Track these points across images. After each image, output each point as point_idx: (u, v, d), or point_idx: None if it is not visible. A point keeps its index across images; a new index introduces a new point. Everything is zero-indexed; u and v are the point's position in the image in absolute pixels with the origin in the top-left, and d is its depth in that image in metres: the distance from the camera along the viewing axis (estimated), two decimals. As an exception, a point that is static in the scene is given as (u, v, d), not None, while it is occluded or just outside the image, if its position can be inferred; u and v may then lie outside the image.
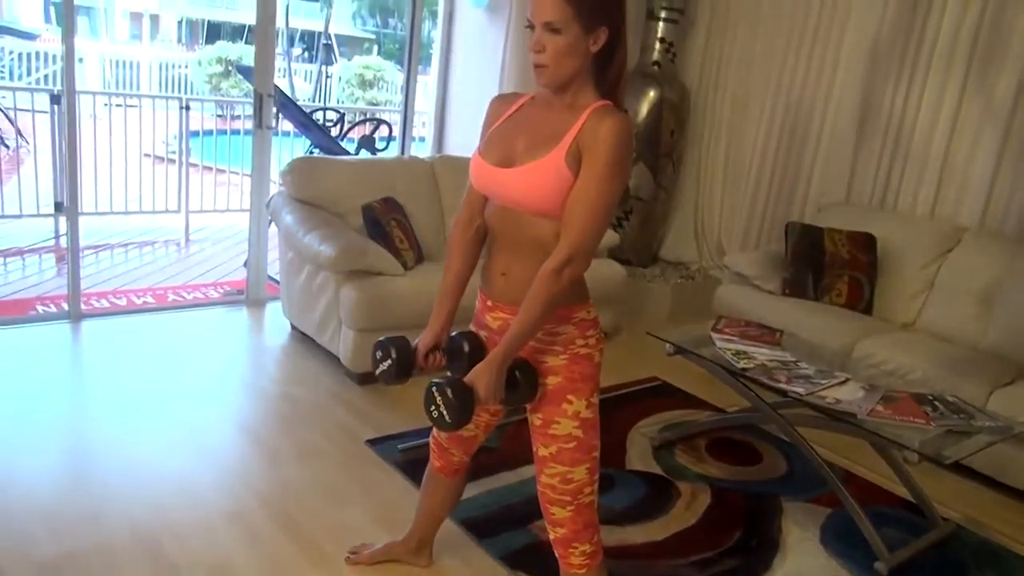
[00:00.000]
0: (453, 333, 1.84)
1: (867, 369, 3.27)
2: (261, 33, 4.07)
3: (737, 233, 5.13)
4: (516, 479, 2.78)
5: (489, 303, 1.79)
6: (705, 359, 2.93)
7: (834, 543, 2.65)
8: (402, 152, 5.10)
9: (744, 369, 2.82)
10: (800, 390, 2.66)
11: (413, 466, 2.70)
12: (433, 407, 1.61)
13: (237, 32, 23.16)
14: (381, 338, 1.84)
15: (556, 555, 1.83)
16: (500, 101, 1.80)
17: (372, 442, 2.96)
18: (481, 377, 1.62)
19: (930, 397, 2.71)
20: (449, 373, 1.75)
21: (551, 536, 1.82)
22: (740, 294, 4.10)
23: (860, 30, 4.38)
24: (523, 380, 1.67)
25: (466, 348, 1.79)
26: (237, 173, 6.80)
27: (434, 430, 2.06)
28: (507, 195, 1.67)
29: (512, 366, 1.65)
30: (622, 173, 1.58)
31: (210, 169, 7.00)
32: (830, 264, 3.96)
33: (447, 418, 1.59)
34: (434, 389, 1.60)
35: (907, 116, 4.22)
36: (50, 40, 15.86)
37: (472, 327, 1.89)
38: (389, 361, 1.80)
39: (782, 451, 3.27)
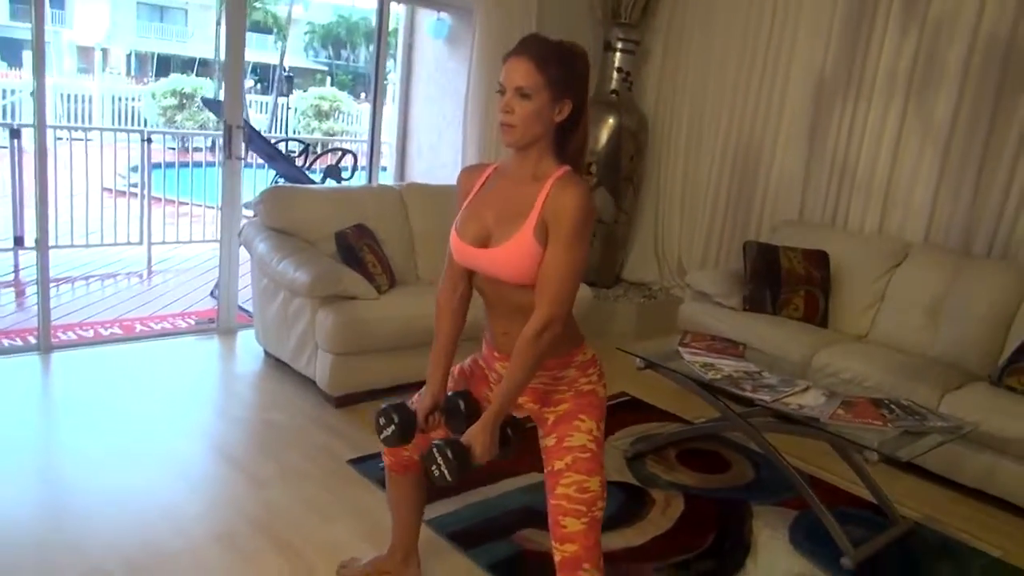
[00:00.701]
0: (449, 394, 1.97)
1: (826, 378, 3.43)
2: (230, 66, 4.14)
3: (696, 252, 5.32)
4: (496, 493, 2.85)
5: (497, 354, 1.92)
6: (675, 372, 3.06)
7: (802, 542, 2.78)
8: (370, 180, 5.19)
9: (713, 380, 2.96)
10: (766, 398, 2.80)
11: (396, 483, 2.76)
12: (434, 466, 1.74)
13: (188, 65, 23.08)
14: (384, 406, 1.95)
15: None
16: (467, 174, 1.92)
17: (353, 461, 3.01)
18: (477, 437, 1.76)
19: (886, 401, 2.88)
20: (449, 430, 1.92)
21: (558, 558, 1.81)
22: (702, 311, 4.26)
23: (807, 60, 4.63)
24: (514, 436, 1.84)
25: (462, 407, 1.93)
26: (199, 205, 6.81)
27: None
28: (488, 271, 1.81)
29: (504, 424, 1.80)
30: (585, 240, 1.72)
31: (171, 202, 6.99)
32: (786, 280, 4.15)
33: (447, 476, 1.72)
34: (435, 450, 1.73)
35: (853, 140, 4.46)
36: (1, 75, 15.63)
37: (471, 364, 2.04)
38: (392, 427, 1.92)
39: (750, 459, 3.41)
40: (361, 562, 2.35)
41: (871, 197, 4.41)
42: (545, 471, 1.86)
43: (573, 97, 1.73)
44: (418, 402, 1.99)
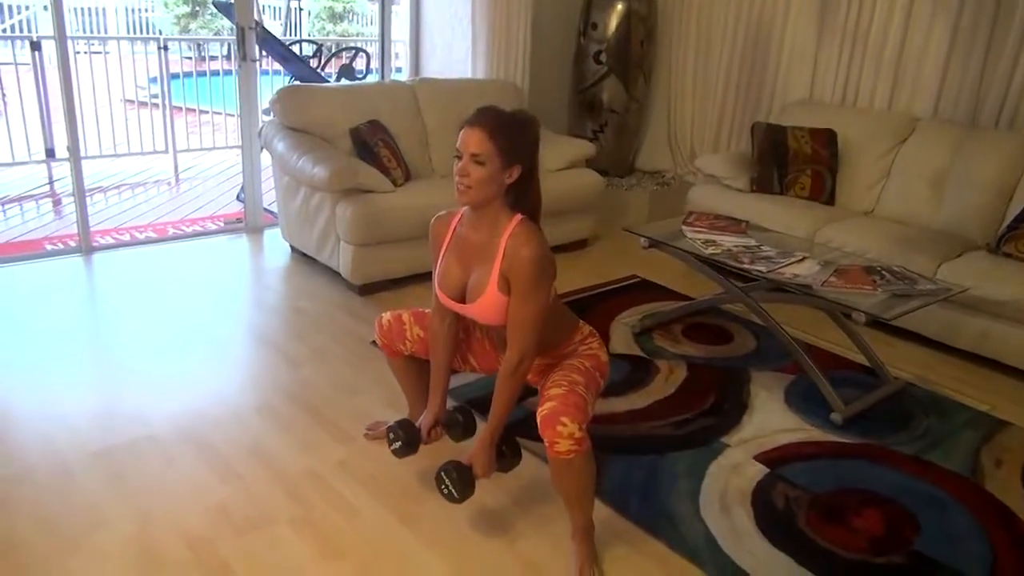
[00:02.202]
0: (449, 408, 2.30)
1: (828, 252, 3.53)
2: (238, -34, 4.18)
3: (709, 138, 5.36)
4: (511, 366, 3.07)
5: (500, 351, 2.20)
6: (677, 248, 3.20)
7: (796, 402, 2.98)
8: (382, 78, 5.25)
9: (712, 255, 3.10)
10: (762, 268, 2.95)
11: (417, 359, 2.98)
12: (444, 486, 2.03)
13: (199, -29, 22.58)
14: (391, 424, 2.28)
15: (545, 443, 1.90)
16: (439, 223, 2.12)
17: (376, 343, 3.23)
18: (477, 458, 2.04)
19: (878, 268, 3.01)
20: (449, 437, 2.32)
21: (539, 419, 1.91)
22: (711, 193, 4.36)
23: (817, -68, 4.53)
24: (508, 451, 2.15)
25: (461, 419, 2.29)
26: (219, 113, 6.93)
27: (386, 316, 2.36)
28: (469, 316, 2.09)
29: (499, 442, 2.09)
30: (543, 288, 1.93)
31: (191, 111, 7.11)
32: (793, 160, 4.22)
33: (455, 495, 2.02)
34: (443, 474, 2.03)
35: (863, 14, 4.42)
36: (10, -11, 15.51)
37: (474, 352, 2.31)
38: (399, 442, 2.25)
39: (752, 331, 3.59)
40: (386, 423, 2.60)
41: (881, 72, 4.41)
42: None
43: (522, 162, 1.92)
44: (422, 419, 2.28)
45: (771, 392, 3.05)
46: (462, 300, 2.05)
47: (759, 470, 2.53)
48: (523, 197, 1.98)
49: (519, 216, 1.96)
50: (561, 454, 1.90)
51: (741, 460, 2.58)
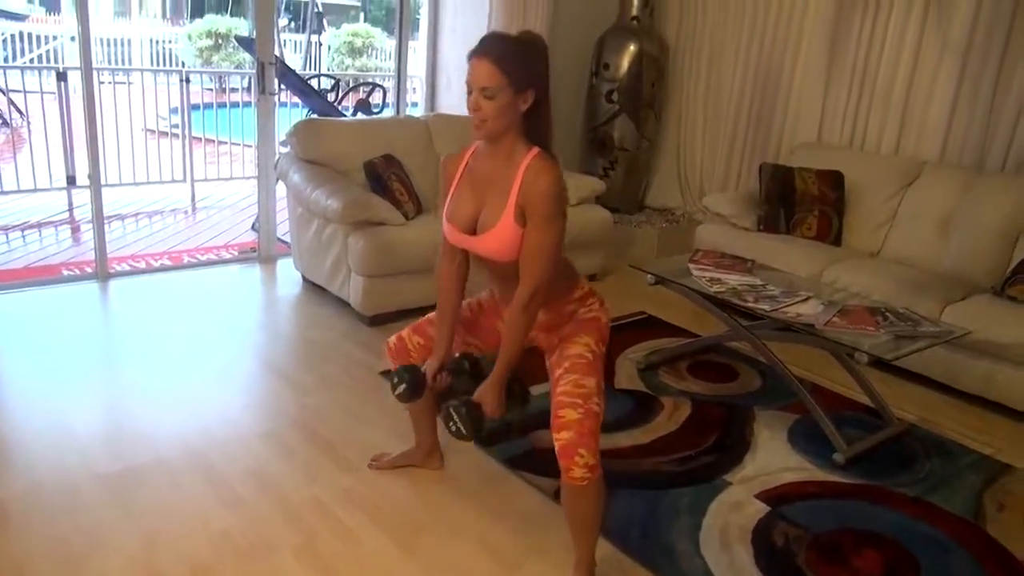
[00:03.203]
0: (456, 355, 2.23)
1: (833, 293, 3.56)
2: (261, 4, 4.31)
3: (718, 177, 5.43)
4: (516, 399, 3.10)
5: (503, 306, 2.18)
6: (682, 285, 3.24)
7: (799, 442, 2.99)
8: (397, 112, 5.36)
9: (717, 293, 3.13)
10: (765, 307, 2.98)
11: (423, 390, 3.02)
12: (451, 423, 2.00)
13: (222, 4, 23.12)
14: (396, 367, 2.25)
15: (560, 468, 1.95)
16: (449, 162, 2.09)
17: (385, 373, 3.28)
18: (486, 395, 2.01)
19: (882, 309, 3.03)
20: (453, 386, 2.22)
21: (557, 446, 1.95)
22: (718, 231, 4.40)
23: (826, -22, 4.63)
24: (518, 392, 2.11)
25: (467, 366, 2.20)
26: (237, 144, 7.06)
27: (390, 340, 2.40)
28: (478, 253, 2.03)
29: (509, 382, 2.05)
30: (558, 219, 1.90)
31: (210, 141, 7.25)
32: (800, 201, 4.26)
33: (463, 431, 1.99)
34: (451, 409, 1.99)
35: (871, 59, 4.50)
36: (39, 20, 15.93)
37: (478, 305, 2.30)
38: (404, 385, 2.20)
39: (757, 370, 3.60)
40: (391, 455, 2.63)
41: (889, 116, 4.47)
42: (550, 383, 2.08)
43: (535, 87, 1.88)
44: (428, 364, 2.24)
45: (774, 431, 3.06)
46: (472, 235, 2.01)
47: (760, 508, 2.53)
48: (536, 125, 1.93)
49: (536, 149, 1.92)
50: (575, 480, 1.95)
51: (743, 498, 2.59)
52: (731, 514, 2.49)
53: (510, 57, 1.84)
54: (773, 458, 2.86)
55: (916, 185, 4.15)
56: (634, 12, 5.23)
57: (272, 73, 4.39)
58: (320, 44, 15.26)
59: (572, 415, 1.96)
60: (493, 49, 1.84)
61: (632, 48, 5.18)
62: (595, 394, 2.01)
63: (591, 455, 1.94)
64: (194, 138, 6.53)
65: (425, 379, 2.20)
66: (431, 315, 2.33)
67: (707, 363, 3.65)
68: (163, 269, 4.53)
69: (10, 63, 11.18)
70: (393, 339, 2.39)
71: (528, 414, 2.90)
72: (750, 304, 3.01)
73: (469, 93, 1.87)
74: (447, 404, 2.01)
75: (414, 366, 2.22)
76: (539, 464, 2.65)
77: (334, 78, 7.09)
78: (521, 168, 1.90)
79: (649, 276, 3.33)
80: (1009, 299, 3.47)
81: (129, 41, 14.03)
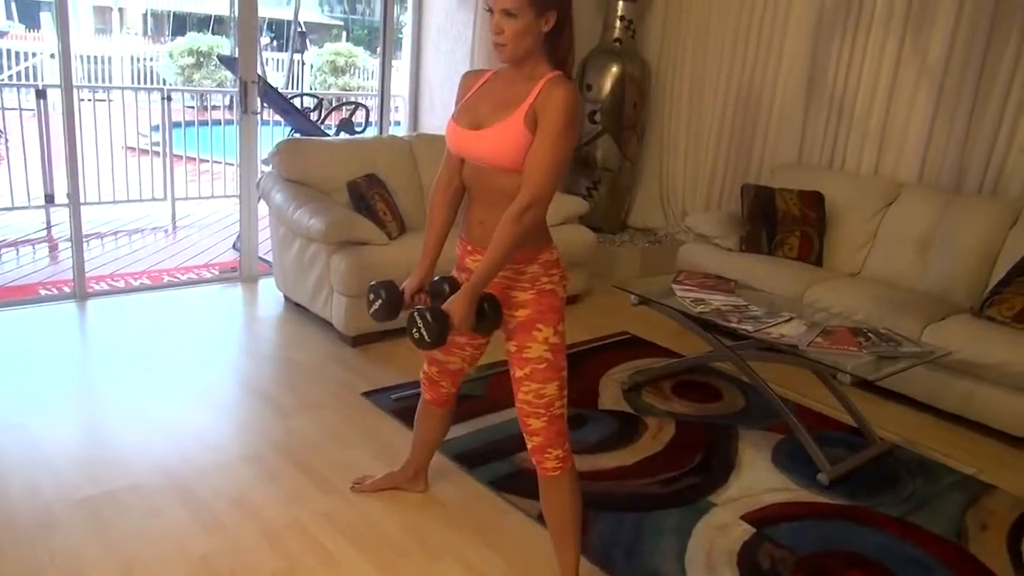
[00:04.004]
0: (435, 278, 2.14)
1: (816, 312, 3.59)
2: (244, 23, 4.30)
3: (700, 197, 5.46)
4: (500, 420, 3.08)
5: (469, 248, 2.08)
6: (666, 306, 3.25)
7: (783, 462, 2.99)
8: (381, 133, 5.36)
9: (701, 313, 3.14)
10: (749, 328, 2.99)
11: (406, 412, 2.99)
12: (415, 329, 1.87)
13: (204, 23, 23.10)
14: (373, 282, 2.13)
15: (534, 463, 2.06)
16: (470, 75, 2.09)
17: (368, 394, 3.26)
18: (455, 306, 1.89)
19: (864, 330, 3.05)
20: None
21: (529, 446, 2.04)
22: (701, 252, 4.42)
23: (805, 2, 4.70)
24: (490, 310, 1.94)
25: (447, 289, 2.08)
26: (219, 162, 7.03)
27: (424, 368, 2.36)
28: (477, 153, 1.94)
29: (481, 299, 1.92)
30: (571, 134, 1.85)
31: (191, 159, 7.20)
32: (782, 221, 4.30)
33: (427, 338, 1.86)
34: (415, 314, 1.87)
35: (850, 81, 4.56)
36: (18, 37, 15.82)
37: (455, 272, 2.18)
38: (380, 301, 2.08)
39: (740, 390, 3.61)
40: (374, 477, 2.60)
41: (867, 138, 4.52)
42: (510, 373, 2.05)
43: (557, 6, 1.85)
44: (407, 283, 2.16)
45: (759, 451, 3.06)
46: (477, 130, 1.94)
47: (745, 530, 2.53)
48: (557, 48, 1.90)
49: (558, 72, 1.89)
50: (548, 470, 2.05)
51: (728, 519, 2.58)
52: (716, 536, 2.48)
53: None
54: (757, 479, 2.86)
55: (895, 206, 4.20)
56: (616, 34, 5.28)
57: (255, 92, 4.38)
58: (303, 63, 15.26)
59: (538, 424, 2.02)
60: None
61: (614, 70, 5.22)
62: (557, 399, 2.01)
63: (561, 450, 2.05)
64: (175, 156, 6.49)
65: (402, 297, 2.12)
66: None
67: (691, 383, 3.66)
68: (143, 289, 4.48)
69: (-11, 80, 11.08)
70: (422, 375, 2.41)
71: (508, 435, 2.90)
72: (733, 324, 3.02)
73: (491, 14, 1.85)
74: (413, 309, 1.89)
75: (391, 282, 2.12)
76: (523, 486, 2.62)
77: (317, 97, 7.08)
78: (540, 82, 1.86)
79: (632, 296, 3.34)
80: (988, 319, 3.50)
81: (110, 59, 13.96)
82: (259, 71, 4.58)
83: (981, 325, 3.46)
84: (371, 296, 2.11)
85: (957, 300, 3.77)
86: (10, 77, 11.54)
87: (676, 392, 3.55)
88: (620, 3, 5.23)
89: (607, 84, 5.22)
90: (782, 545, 2.45)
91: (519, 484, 2.66)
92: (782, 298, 3.66)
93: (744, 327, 3.00)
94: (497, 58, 1.90)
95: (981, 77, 4.03)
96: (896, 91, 4.38)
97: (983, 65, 4.01)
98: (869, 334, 2.99)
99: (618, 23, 5.26)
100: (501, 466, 2.78)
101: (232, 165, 6.34)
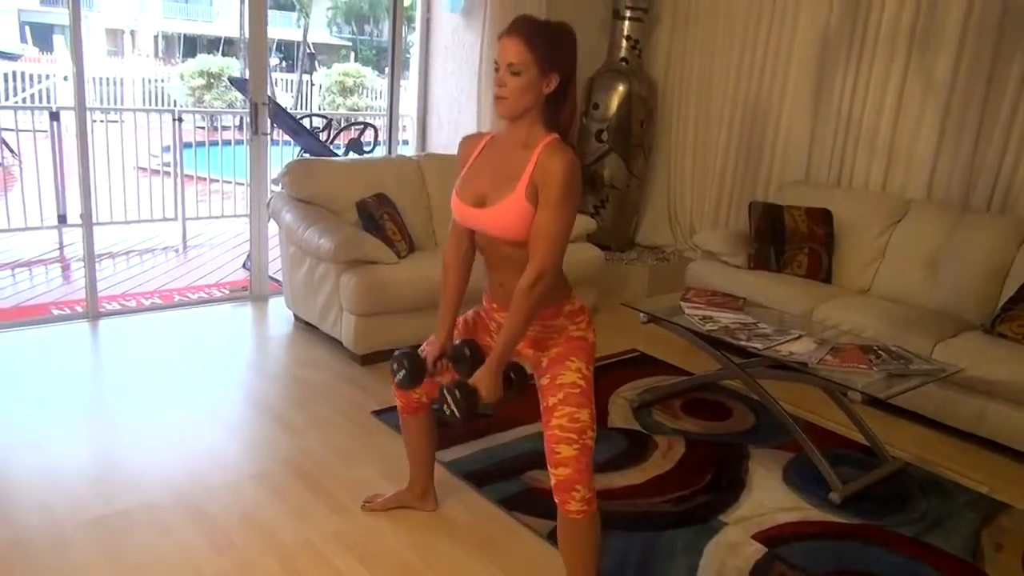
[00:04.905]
0: (456, 342, 2.19)
1: (825, 330, 3.58)
2: (254, 45, 4.35)
3: (708, 215, 5.47)
4: (510, 439, 3.08)
5: (495, 306, 2.14)
6: (674, 324, 3.24)
7: (795, 480, 2.97)
8: (389, 152, 5.40)
9: (710, 331, 3.14)
10: (758, 345, 2.98)
11: (416, 430, 2.99)
12: (445, 406, 1.95)
13: (214, 44, 23.38)
14: (396, 352, 2.19)
15: (556, 502, 1.98)
16: (468, 141, 2.12)
17: (377, 413, 3.26)
18: (483, 380, 1.97)
19: (874, 347, 3.04)
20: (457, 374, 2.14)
21: (553, 481, 1.98)
22: (709, 269, 4.43)
23: (810, 21, 4.74)
24: (516, 379, 2.05)
25: (468, 354, 2.15)
26: (229, 182, 7.08)
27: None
28: (484, 228, 2.00)
29: (507, 369, 2.00)
30: (572, 202, 1.90)
31: (202, 179, 7.26)
32: (790, 238, 4.30)
33: (457, 415, 1.94)
34: (445, 391, 1.95)
35: (856, 99, 4.57)
36: (32, 60, 16.03)
37: (481, 311, 2.23)
38: (403, 371, 2.16)
39: (750, 408, 3.60)
40: (384, 496, 2.60)
41: (875, 155, 4.53)
42: (541, 408, 2.06)
43: (560, 71, 1.90)
44: (428, 350, 2.21)
45: (769, 470, 3.05)
46: (481, 208, 1.98)
47: (757, 549, 2.51)
48: (559, 113, 1.94)
49: (555, 135, 1.93)
50: (572, 513, 1.97)
51: (739, 539, 2.56)
52: (728, 555, 2.47)
53: (539, 37, 1.87)
54: (769, 498, 2.85)
55: (904, 223, 4.19)
56: (623, 54, 5.31)
57: (265, 113, 4.43)
58: (311, 83, 15.40)
59: (568, 451, 1.96)
60: (523, 28, 1.87)
61: (621, 88, 5.25)
62: (589, 427, 2.01)
63: (587, 489, 1.96)
64: (186, 176, 6.54)
65: (425, 365, 2.17)
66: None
67: (700, 401, 3.65)
68: (154, 308, 4.51)
69: (2, 103, 11.22)
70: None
71: (518, 454, 2.90)
72: (743, 342, 3.02)
73: (496, 70, 1.89)
74: (443, 386, 1.97)
75: (414, 352, 2.17)
76: (533, 505, 2.62)
77: (326, 117, 7.14)
78: (537, 149, 1.90)
79: (641, 314, 3.34)
80: (999, 336, 3.49)
81: (122, 80, 14.12)
82: (269, 92, 4.62)
83: (992, 342, 3.44)
84: (394, 366, 2.18)
85: (967, 317, 3.75)
86: (24, 99, 11.68)
87: (686, 410, 3.54)
88: (626, 23, 5.27)
89: (614, 103, 5.25)
90: (794, 565, 2.44)
91: (529, 503, 2.65)
92: (791, 315, 3.65)
93: (753, 345, 2.99)
94: (495, 112, 1.94)
95: (988, 94, 4.04)
96: (903, 108, 4.39)
97: (989, 82, 4.02)
98: (879, 351, 2.98)
99: (624, 43, 5.30)
100: (510, 485, 2.77)
101: (242, 185, 6.39)
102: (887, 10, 4.37)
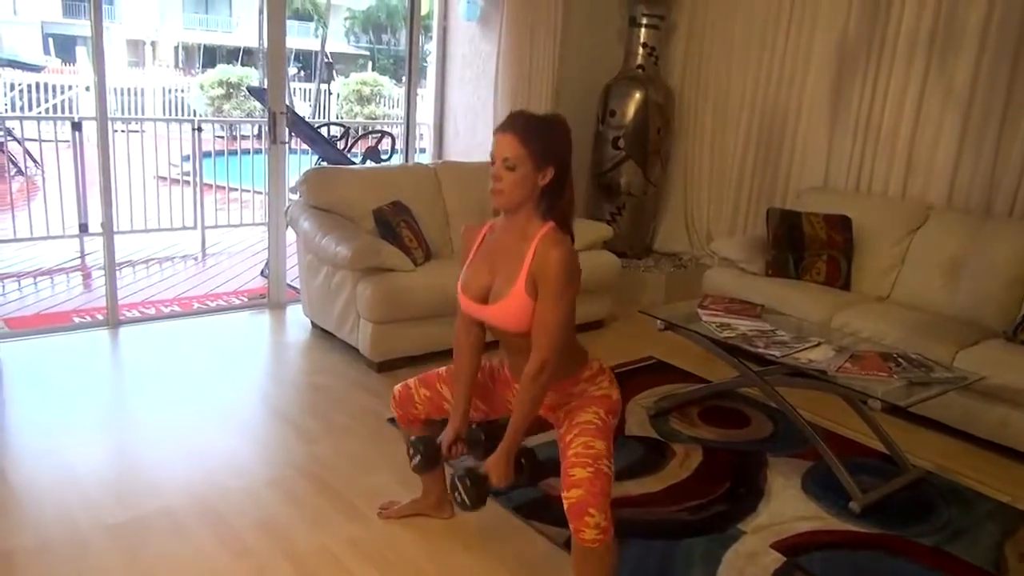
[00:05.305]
0: (472, 426, 2.24)
1: (845, 337, 3.54)
2: (273, 55, 4.39)
3: (725, 222, 5.45)
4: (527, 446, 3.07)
5: (512, 376, 2.21)
6: (691, 331, 3.23)
7: (814, 489, 2.94)
8: (406, 160, 5.42)
9: (727, 338, 3.12)
10: (776, 353, 2.96)
11: (432, 437, 2.99)
12: (457, 493, 2.01)
13: (233, 55, 23.63)
14: (412, 438, 2.27)
15: (571, 530, 1.92)
16: (469, 233, 2.18)
17: (393, 420, 3.24)
18: (494, 467, 2.02)
19: (895, 355, 3.01)
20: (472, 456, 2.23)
21: (566, 505, 1.93)
22: (727, 276, 4.40)
23: (828, 27, 4.71)
24: (527, 465, 2.09)
25: (483, 437, 2.20)
26: (248, 190, 7.14)
27: (404, 385, 2.40)
28: (489, 322, 2.08)
29: (518, 454, 2.04)
30: (571, 292, 1.96)
31: (221, 188, 7.33)
32: (809, 245, 4.27)
33: (468, 502, 2.01)
34: (457, 479, 2.00)
35: (875, 105, 4.54)
36: (55, 71, 16.26)
37: (491, 369, 2.30)
38: (419, 457, 2.22)
39: (768, 416, 3.57)
40: (400, 504, 2.60)
41: (894, 161, 4.49)
42: (561, 451, 2.05)
43: (555, 164, 1.94)
44: (443, 435, 2.24)
45: (788, 478, 3.02)
46: (485, 304, 2.05)
47: (776, 558, 2.49)
48: (556, 202, 1.99)
49: (551, 223, 1.98)
50: (587, 542, 1.92)
51: (757, 548, 2.54)
52: (746, 565, 2.45)
53: (533, 132, 1.92)
54: (787, 506, 2.82)
55: (924, 229, 4.15)
56: (639, 61, 5.31)
57: (283, 123, 4.46)
58: (329, 93, 15.50)
59: (582, 473, 1.95)
60: (517, 124, 1.93)
61: (638, 96, 5.25)
62: (605, 456, 2.00)
63: (602, 515, 1.90)
64: (205, 185, 6.60)
65: (440, 450, 2.22)
66: (441, 370, 2.35)
67: (718, 409, 3.62)
68: (173, 316, 4.54)
69: (26, 113, 11.38)
70: (399, 388, 2.40)
71: (539, 460, 2.88)
72: (761, 350, 3.00)
73: (492, 164, 1.94)
74: (453, 474, 2.02)
75: (429, 437, 2.24)
76: (550, 513, 2.61)
77: (343, 126, 7.18)
78: (534, 241, 1.95)
79: (658, 322, 3.33)
80: (1022, 343, 3.44)
81: (142, 90, 14.31)
82: (287, 101, 4.66)
83: (1015, 350, 3.40)
84: (411, 451, 2.25)
85: (989, 324, 3.71)
86: (47, 110, 11.86)
87: (703, 418, 3.52)
88: (642, 30, 5.27)
89: (630, 110, 5.24)
90: (813, 574, 2.41)
91: (545, 510, 2.64)
92: (809, 323, 3.62)
93: (771, 352, 2.97)
94: (492, 202, 1.99)
95: (1009, 99, 4.00)
96: (923, 114, 4.35)
97: (1010, 87, 3.98)
98: (900, 359, 2.95)
99: (641, 50, 5.30)
100: (527, 493, 2.76)
101: (261, 193, 6.45)
102: (906, 16, 4.34)
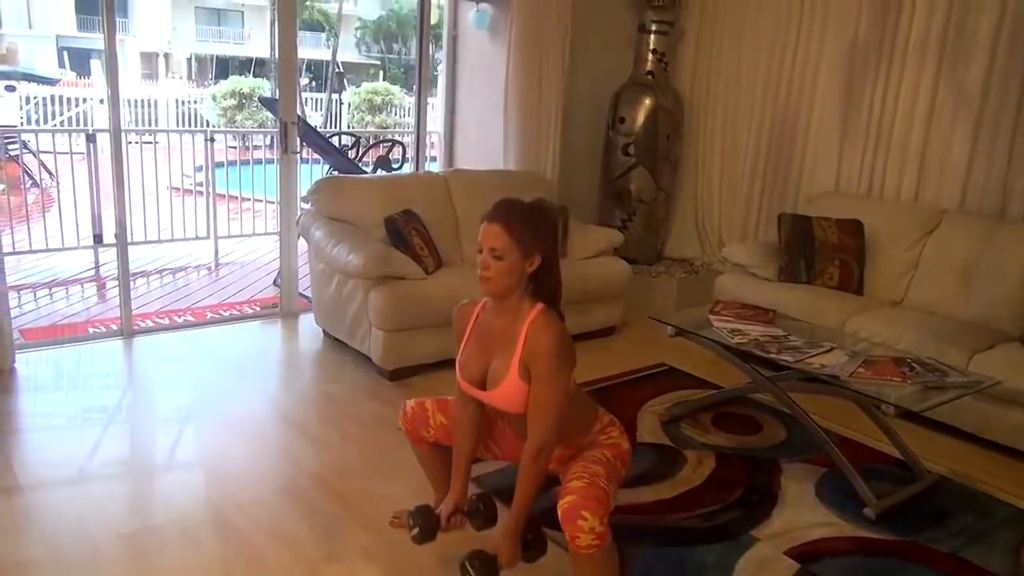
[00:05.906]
0: (471, 496, 2.28)
1: (858, 342, 3.53)
2: (284, 66, 4.43)
3: (736, 227, 5.43)
4: (537, 453, 3.07)
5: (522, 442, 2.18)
6: (703, 337, 3.22)
7: (828, 495, 2.92)
8: (417, 169, 5.44)
9: (739, 344, 3.11)
10: (789, 358, 2.95)
11: (444, 445, 2.99)
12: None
13: (245, 66, 23.82)
14: (411, 509, 2.26)
15: (566, 537, 1.89)
16: (461, 314, 2.17)
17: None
18: (502, 547, 2.02)
19: (908, 359, 2.99)
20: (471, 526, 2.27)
21: (560, 513, 1.90)
22: (739, 282, 4.39)
23: (838, 32, 4.70)
24: (533, 541, 2.11)
25: (482, 508, 2.24)
26: (260, 200, 7.18)
27: (409, 404, 2.39)
28: (487, 403, 2.12)
29: (524, 531, 2.05)
30: (564, 371, 1.96)
31: (233, 198, 7.37)
32: (820, 250, 4.25)
33: None
34: (467, 563, 2.00)
35: (887, 109, 4.52)
36: (69, 84, 16.42)
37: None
38: (418, 528, 2.22)
39: (782, 421, 3.55)
40: (411, 512, 2.61)
41: (906, 166, 4.47)
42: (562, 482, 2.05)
43: (542, 251, 1.98)
44: (442, 507, 2.26)
45: (802, 484, 3.00)
46: (483, 387, 2.08)
47: (789, 565, 2.47)
48: (544, 284, 2.02)
49: (540, 305, 2.00)
50: (582, 548, 1.88)
51: (771, 555, 2.53)
52: (760, 572, 2.43)
53: (519, 223, 1.95)
54: (801, 513, 2.80)
55: (937, 233, 4.13)
56: (648, 67, 5.31)
57: (295, 133, 4.49)
58: (340, 102, 15.58)
59: (578, 484, 1.96)
60: (504, 215, 1.96)
61: (647, 102, 5.25)
62: (603, 477, 2.00)
63: (596, 519, 1.87)
64: (218, 195, 6.65)
65: (439, 521, 2.24)
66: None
67: (731, 415, 3.61)
68: (186, 326, 4.57)
69: (42, 126, 11.50)
70: (412, 405, 2.37)
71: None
72: (773, 355, 2.99)
73: (480, 252, 1.97)
74: (463, 557, 2.02)
75: (428, 508, 2.25)
76: (558, 519, 2.60)
77: (354, 135, 7.21)
78: (525, 324, 1.98)
79: (670, 328, 3.33)
80: (1037, 347, 3.41)
81: (156, 102, 14.43)
82: (299, 111, 4.69)
83: (1030, 354, 3.37)
84: (410, 522, 2.25)
85: (1003, 328, 3.67)
86: (62, 123, 11.98)
87: (716, 424, 3.50)
88: (652, 36, 5.27)
89: (640, 116, 5.24)
90: (828, 581, 2.40)
91: (556, 518, 2.63)
92: (822, 328, 3.60)
93: (784, 358, 2.96)
94: (480, 289, 2.02)
95: (1021, 102, 3.97)
96: (935, 117, 4.32)
97: (1022, 90, 3.95)
98: (913, 364, 2.93)
99: (650, 56, 5.30)
100: (538, 501, 2.75)
101: (272, 203, 6.48)
102: (916, 19, 4.32)
